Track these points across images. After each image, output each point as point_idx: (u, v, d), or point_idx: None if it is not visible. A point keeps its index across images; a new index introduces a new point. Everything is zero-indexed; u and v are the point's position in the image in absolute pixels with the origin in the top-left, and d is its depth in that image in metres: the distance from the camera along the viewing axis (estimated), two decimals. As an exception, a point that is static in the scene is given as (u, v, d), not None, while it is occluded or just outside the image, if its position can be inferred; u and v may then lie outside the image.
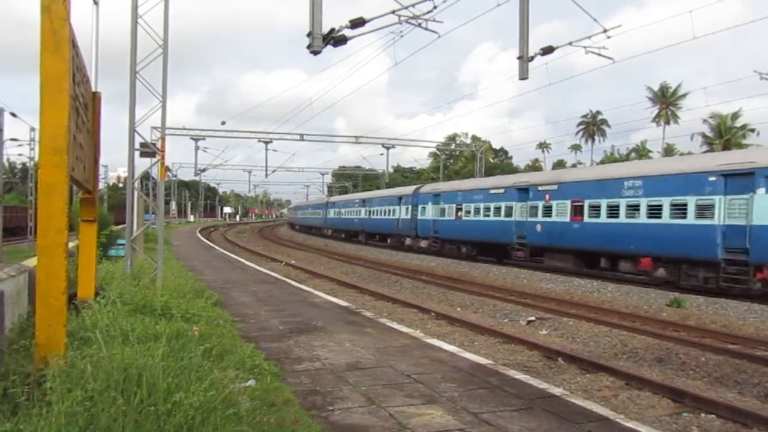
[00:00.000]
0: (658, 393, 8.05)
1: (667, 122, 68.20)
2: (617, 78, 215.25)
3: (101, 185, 52.04)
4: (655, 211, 19.04)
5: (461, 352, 8.57)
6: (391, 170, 72.39)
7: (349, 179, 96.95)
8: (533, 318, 14.08)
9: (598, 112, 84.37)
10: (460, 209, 30.81)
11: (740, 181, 16.58)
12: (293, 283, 17.64)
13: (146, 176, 26.10)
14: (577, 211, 22.44)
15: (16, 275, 6.79)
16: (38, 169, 5.05)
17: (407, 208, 37.44)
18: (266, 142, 47.06)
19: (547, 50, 15.32)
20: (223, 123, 50.82)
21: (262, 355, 7.32)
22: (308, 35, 12.72)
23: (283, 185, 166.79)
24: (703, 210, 17.47)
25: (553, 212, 23.58)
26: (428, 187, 36.92)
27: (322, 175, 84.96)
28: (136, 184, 13.43)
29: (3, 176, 30.72)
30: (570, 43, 16.29)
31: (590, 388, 8.37)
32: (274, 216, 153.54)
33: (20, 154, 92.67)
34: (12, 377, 4.44)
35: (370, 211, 45.86)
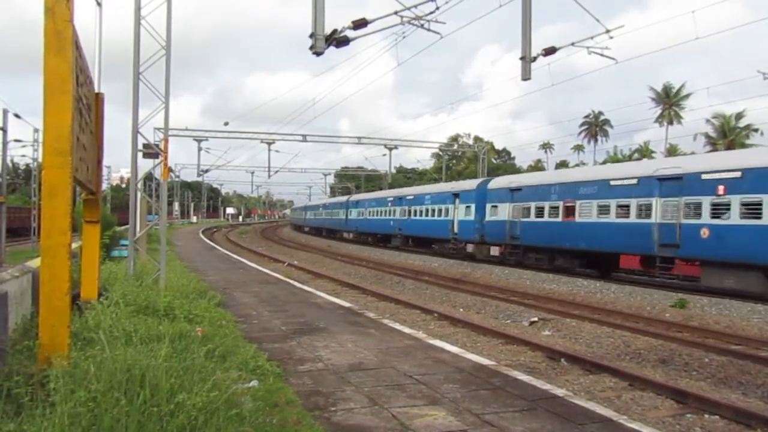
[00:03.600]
0: (662, 394, 8.04)
1: (670, 122, 68.05)
2: (620, 79, 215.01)
3: (104, 186, 52.12)
4: None
5: (464, 353, 8.56)
6: (393, 171, 72.36)
7: (351, 180, 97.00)
8: (536, 319, 14.07)
9: (601, 113, 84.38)
10: (555, 208, 23.05)
11: None
12: (295, 283, 17.65)
13: (149, 177, 26.12)
14: None
15: (19, 276, 6.81)
16: (42, 170, 5.07)
17: (468, 207, 29.60)
18: (269, 143, 47.13)
19: (550, 51, 15.31)
20: (226, 124, 50.82)
21: (265, 355, 7.33)
22: (311, 36, 12.74)
23: (285, 186, 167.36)
24: None
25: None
26: (501, 181, 29.14)
27: (325, 175, 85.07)
28: (139, 185, 13.45)
29: (7, 177, 30.81)
30: (572, 44, 16.29)
31: (593, 389, 8.37)
32: (276, 217, 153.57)
33: (24, 155, 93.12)
34: (15, 378, 4.45)
35: (410, 211, 37.08)
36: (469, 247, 29.65)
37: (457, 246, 30.78)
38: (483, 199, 28.66)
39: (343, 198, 58.83)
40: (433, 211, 33.77)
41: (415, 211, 36.38)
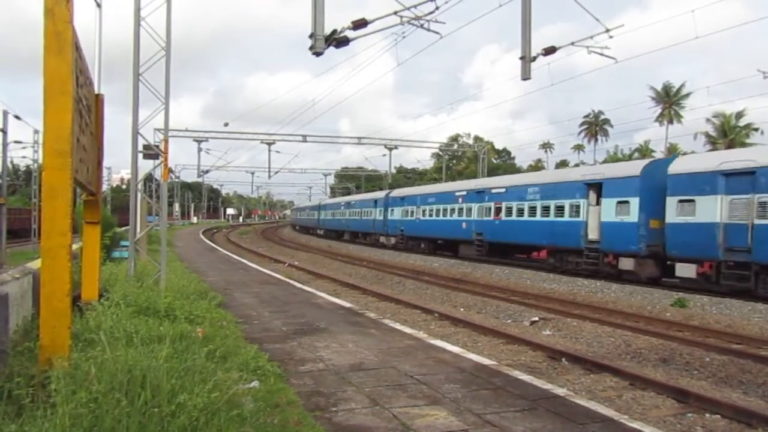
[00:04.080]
0: (663, 393, 8.04)
1: (671, 122, 68.10)
2: (620, 78, 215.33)
3: (104, 187, 52.11)
4: None
5: (465, 353, 8.56)
6: (393, 171, 72.40)
7: (351, 180, 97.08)
8: (536, 318, 14.07)
9: (601, 112, 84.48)
10: None
11: None
12: (296, 284, 17.65)
13: (149, 178, 26.12)
14: None
15: (20, 277, 6.81)
16: (42, 171, 5.07)
17: (623, 203, 20.07)
18: (269, 144, 47.18)
19: (550, 50, 15.32)
20: (226, 124, 50.58)
21: (266, 356, 7.34)
22: (311, 36, 12.76)
23: (285, 186, 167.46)
24: None
25: None
26: (702, 160, 19.19)
27: (325, 176, 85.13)
28: (140, 186, 13.45)
29: (7, 178, 30.84)
30: (572, 43, 16.30)
31: (594, 389, 8.36)
32: (276, 217, 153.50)
33: (24, 157, 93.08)
34: (16, 379, 4.46)
35: (499, 209, 27.03)
36: (625, 263, 20.05)
37: (597, 259, 20.95)
38: (655, 188, 19.17)
39: (380, 193, 47.23)
40: (546, 208, 23.83)
41: (509, 210, 26.33)
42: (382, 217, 42.12)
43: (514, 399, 6.27)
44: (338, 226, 56.10)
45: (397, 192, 42.74)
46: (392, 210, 40.52)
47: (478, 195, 29.27)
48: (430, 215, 34.23)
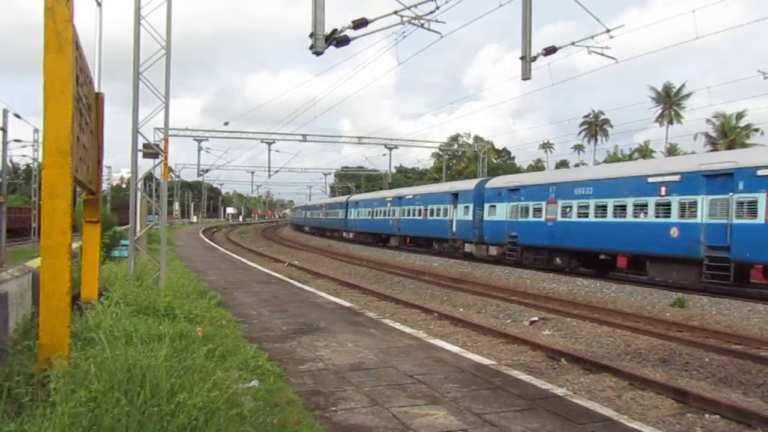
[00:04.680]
0: (662, 393, 8.04)
1: (671, 122, 68.06)
2: (620, 78, 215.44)
3: (104, 186, 52.07)
4: None
5: (464, 353, 8.57)
6: (393, 171, 72.41)
7: (352, 180, 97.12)
8: (536, 318, 14.08)
9: (601, 112, 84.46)
10: None
11: None
12: (296, 283, 17.65)
13: (149, 177, 26.11)
14: None
15: (20, 276, 6.81)
16: (42, 170, 5.06)
17: None
18: (269, 143, 47.19)
19: (550, 50, 15.30)
20: (226, 123, 50.03)
21: (265, 355, 7.33)
22: (311, 36, 12.75)
23: (285, 186, 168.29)
24: None
25: None
26: None
27: (325, 175, 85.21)
28: (139, 185, 13.44)
29: (7, 177, 30.84)
30: (573, 43, 16.28)
31: (593, 389, 8.37)
32: (276, 216, 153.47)
33: (24, 156, 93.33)
34: (16, 378, 4.45)
35: None
36: None
37: None
38: None
39: (461, 183, 34.80)
40: None
41: None
42: (470, 218, 29.26)
43: (514, 399, 6.27)
44: (383, 229, 42.63)
45: (500, 181, 28.79)
46: (492, 207, 27.57)
47: (714, 181, 17.16)
48: (580, 215, 21.98)
